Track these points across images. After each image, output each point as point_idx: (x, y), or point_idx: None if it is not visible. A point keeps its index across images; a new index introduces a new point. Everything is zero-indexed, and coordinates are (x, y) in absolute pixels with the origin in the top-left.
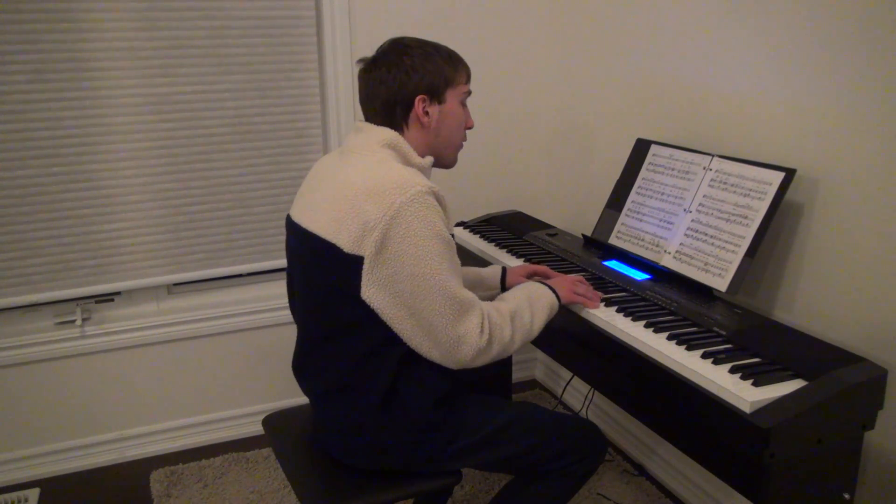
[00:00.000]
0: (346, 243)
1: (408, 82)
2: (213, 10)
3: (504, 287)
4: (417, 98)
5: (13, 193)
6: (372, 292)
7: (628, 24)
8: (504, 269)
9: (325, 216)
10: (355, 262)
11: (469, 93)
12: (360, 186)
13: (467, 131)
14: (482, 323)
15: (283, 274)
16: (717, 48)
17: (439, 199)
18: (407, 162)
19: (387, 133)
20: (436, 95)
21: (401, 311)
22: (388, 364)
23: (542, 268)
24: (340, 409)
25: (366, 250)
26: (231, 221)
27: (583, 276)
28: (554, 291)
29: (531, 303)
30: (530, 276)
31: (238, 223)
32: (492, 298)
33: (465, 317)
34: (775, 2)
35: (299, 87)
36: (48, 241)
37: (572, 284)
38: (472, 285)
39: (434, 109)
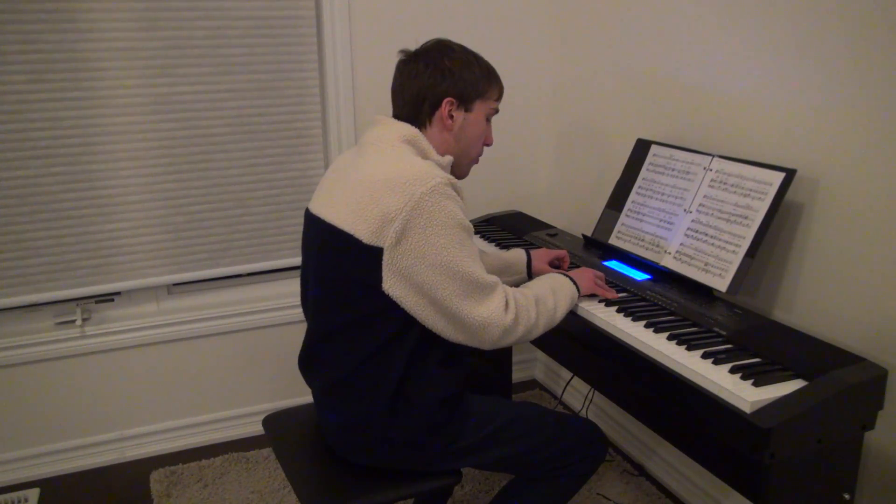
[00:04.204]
0: (364, 234)
1: (441, 82)
2: (213, 10)
3: (530, 272)
4: (446, 99)
5: (13, 193)
6: (392, 283)
7: (628, 24)
8: (528, 254)
9: (343, 208)
10: (374, 253)
11: (496, 110)
12: (380, 178)
13: (485, 148)
14: (506, 303)
15: (283, 274)
16: (717, 48)
17: (457, 190)
18: (425, 157)
19: (406, 129)
20: (464, 102)
21: (423, 299)
22: (396, 362)
23: (563, 252)
24: (346, 405)
25: (385, 241)
26: (231, 221)
27: None
28: (575, 283)
29: (554, 291)
30: (551, 262)
31: (238, 223)
32: (517, 284)
33: (487, 299)
34: (775, 2)
35: (299, 87)
36: (48, 241)
37: (594, 276)
38: (498, 271)
39: (459, 115)
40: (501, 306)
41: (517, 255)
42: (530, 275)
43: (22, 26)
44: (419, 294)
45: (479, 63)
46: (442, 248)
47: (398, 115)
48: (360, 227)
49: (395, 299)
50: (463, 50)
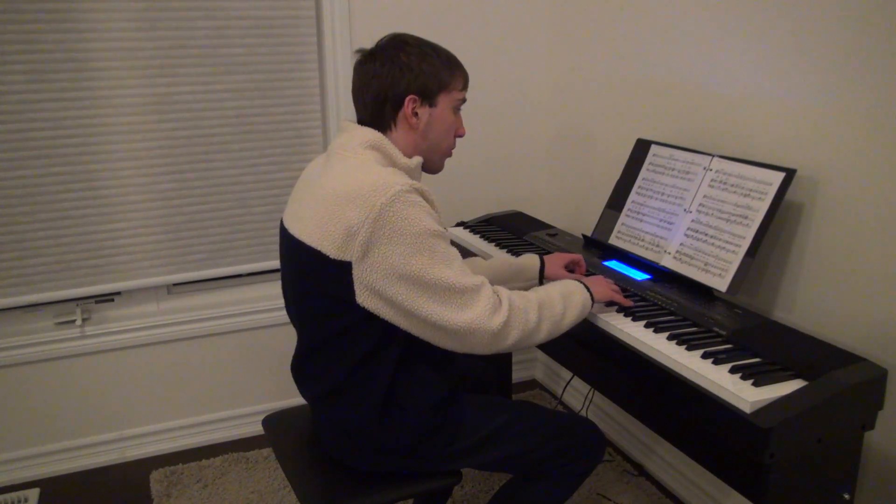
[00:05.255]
0: (331, 250)
1: (400, 80)
2: (213, 10)
3: (542, 278)
4: (408, 98)
5: (13, 193)
6: (366, 297)
7: (628, 24)
8: (542, 260)
9: (309, 223)
10: (344, 268)
11: (464, 100)
12: (341, 192)
13: (458, 139)
14: (493, 306)
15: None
16: (717, 48)
17: (424, 195)
18: (392, 163)
19: (369, 134)
20: (427, 97)
21: (399, 311)
22: (384, 366)
23: (578, 256)
24: (339, 413)
25: (352, 255)
26: (231, 221)
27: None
28: (589, 291)
29: (564, 297)
30: (566, 266)
31: (238, 223)
32: (527, 290)
33: (470, 303)
34: (775, 2)
35: (299, 87)
36: (48, 241)
37: (609, 283)
38: (508, 277)
39: (424, 112)
40: (487, 309)
41: (530, 260)
42: (542, 281)
43: (22, 26)
44: (393, 307)
45: (437, 54)
46: (409, 258)
47: (362, 120)
48: (325, 242)
49: (372, 311)
50: (419, 42)
